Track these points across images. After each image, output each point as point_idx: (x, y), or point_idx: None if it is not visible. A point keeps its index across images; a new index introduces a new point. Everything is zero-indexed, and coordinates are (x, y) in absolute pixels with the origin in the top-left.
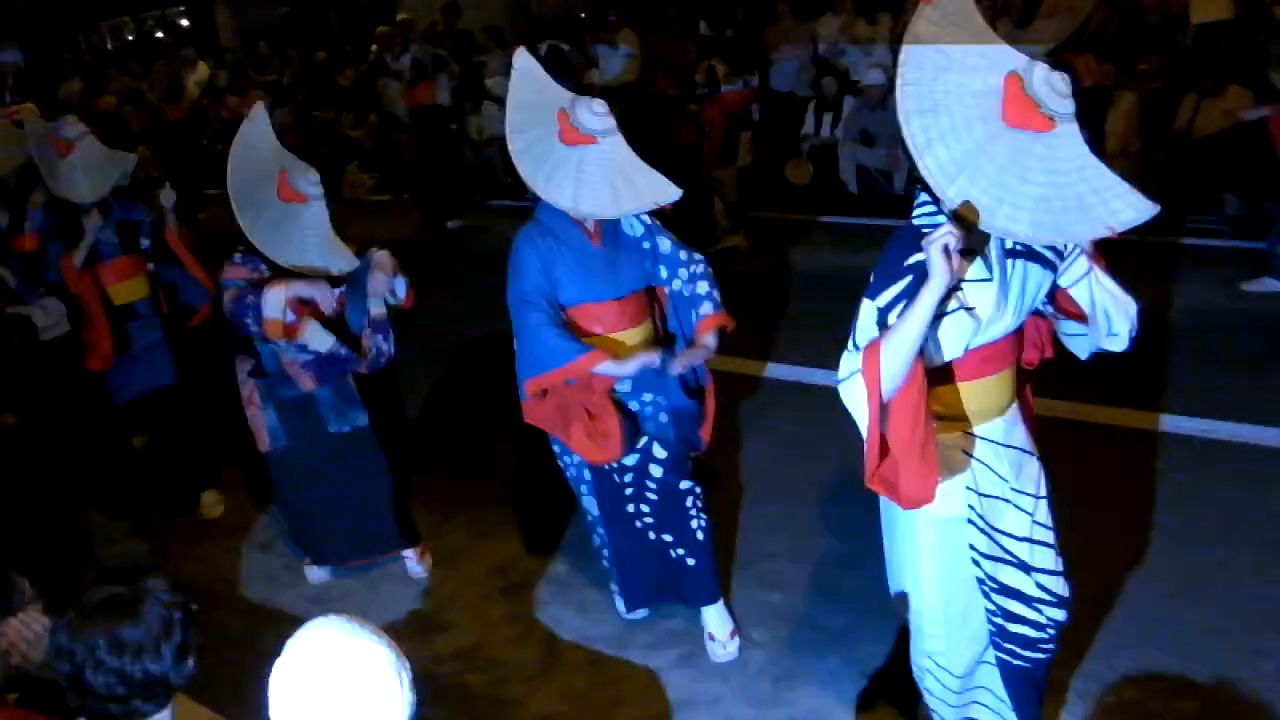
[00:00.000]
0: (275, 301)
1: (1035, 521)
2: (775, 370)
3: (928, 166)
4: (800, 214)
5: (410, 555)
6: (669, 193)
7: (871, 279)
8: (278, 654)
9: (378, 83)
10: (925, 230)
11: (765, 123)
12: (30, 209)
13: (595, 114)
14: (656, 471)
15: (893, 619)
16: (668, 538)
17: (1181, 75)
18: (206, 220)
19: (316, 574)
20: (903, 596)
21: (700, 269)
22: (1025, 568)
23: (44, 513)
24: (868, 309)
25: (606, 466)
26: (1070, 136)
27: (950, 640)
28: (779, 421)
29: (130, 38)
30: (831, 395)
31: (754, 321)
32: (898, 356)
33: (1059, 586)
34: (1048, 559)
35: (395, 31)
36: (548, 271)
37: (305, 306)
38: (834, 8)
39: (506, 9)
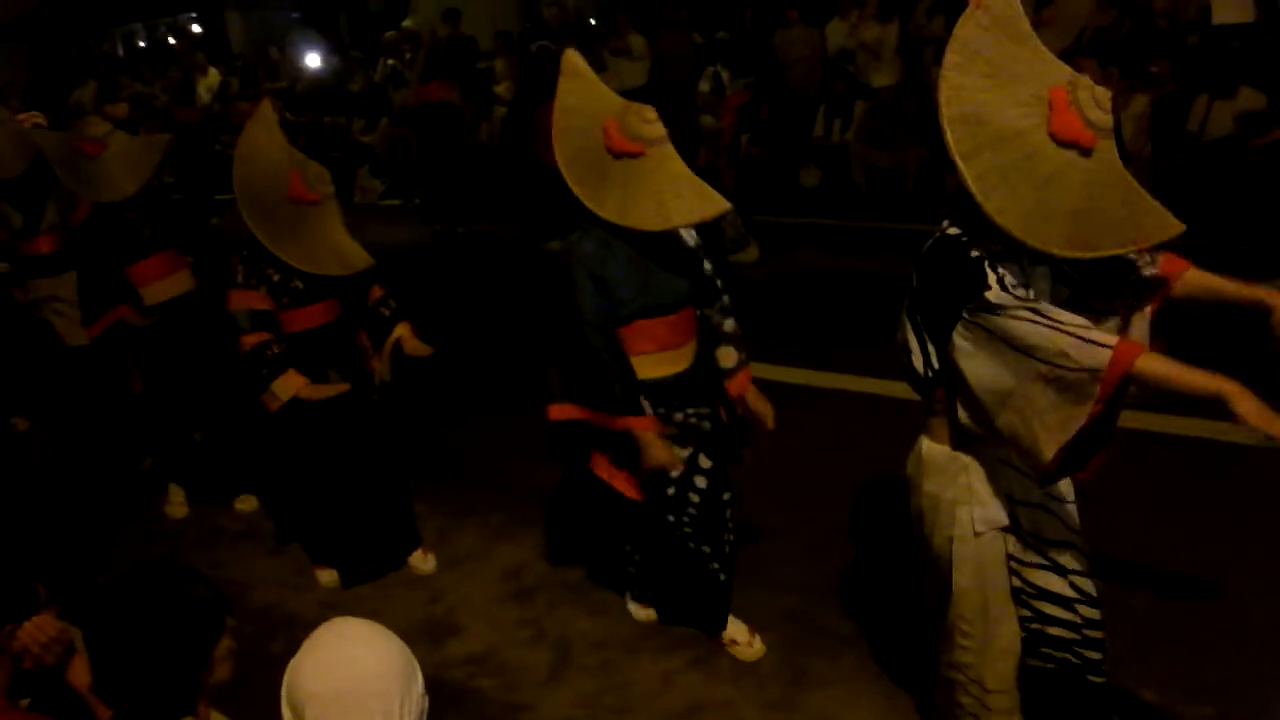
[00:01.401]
0: (286, 387)
1: (1067, 525)
2: (785, 374)
3: (967, 176)
4: (810, 217)
5: (414, 555)
6: (719, 205)
7: (939, 293)
8: (290, 657)
9: (389, 90)
10: (964, 240)
11: (774, 125)
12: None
13: (646, 122)
14: (700, 483)
15: (904, 623)
16: (706, 549)
17: (1192, 78)
18: (219, 225)
19: (326, 576)
20: (935, 606)
21: (729, 303)
22: (1061, 570)
23: (56, 517)
24: (1027, 321)
25: (649, 477)
26: (1109, 152)
27: (980, 653)
28: (788, 425)
29: (142, 44)
30: (843, 399)
31: (764, 325)
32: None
33: (1090, 587)
34: (1080, 561)
35: (401, 39)
36: (602, 286)
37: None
38: (840, 12)
39: (516, 14)
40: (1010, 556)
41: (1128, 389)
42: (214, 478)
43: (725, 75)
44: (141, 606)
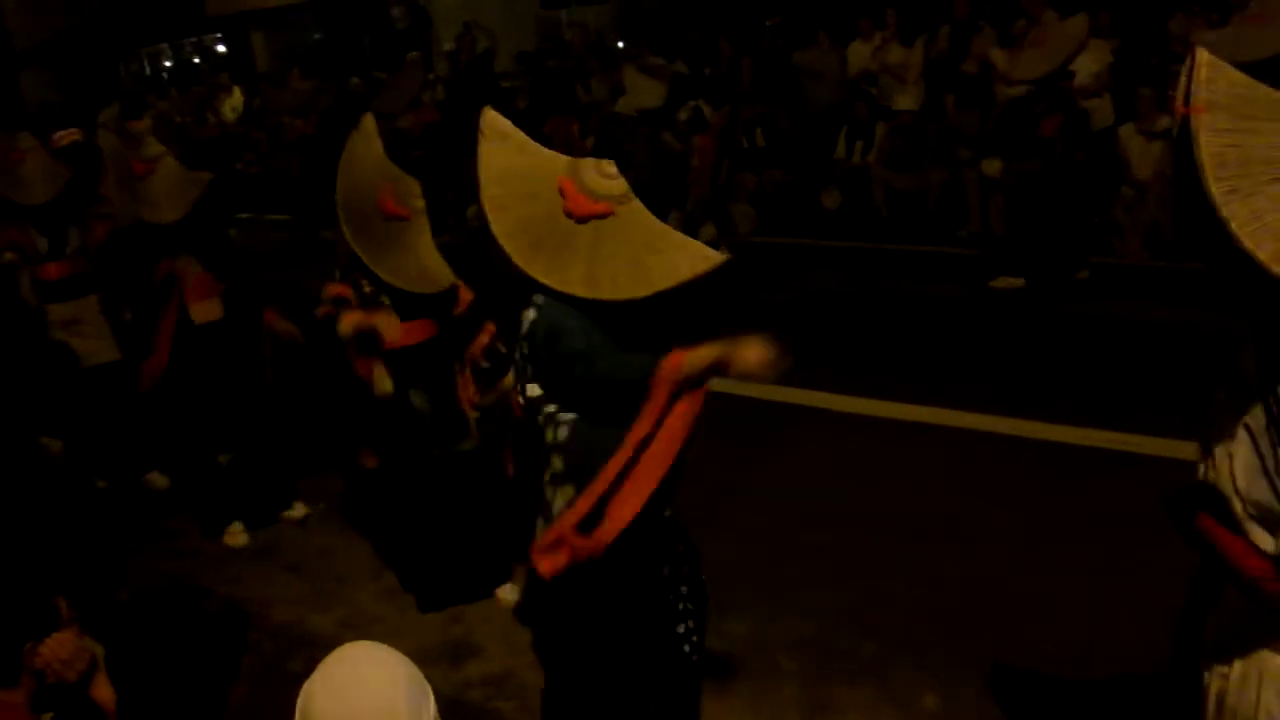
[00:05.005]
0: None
1: None
2: (806, 397)
3: None
4: (831, 239)
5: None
6: (707, 259)
7: None
8: (309, 676)
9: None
10: None
11: (796, 147)
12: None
13: (607, 176)
14: (685, 590)
15: (922, 650)
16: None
17: None
18: (235, 240)
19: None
20: None
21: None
22: None
23: (76, 533)
24: None
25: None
26: None
27: None
28: (808, 448)
29: (168, 64)
30: (863, 423)
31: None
32: None
33: None
34: None
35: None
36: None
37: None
38: (863, 34)
39: (535, 35)
40: None
41: None
42: (257, 499)
43: (707, 111)
44: (161, 623)
